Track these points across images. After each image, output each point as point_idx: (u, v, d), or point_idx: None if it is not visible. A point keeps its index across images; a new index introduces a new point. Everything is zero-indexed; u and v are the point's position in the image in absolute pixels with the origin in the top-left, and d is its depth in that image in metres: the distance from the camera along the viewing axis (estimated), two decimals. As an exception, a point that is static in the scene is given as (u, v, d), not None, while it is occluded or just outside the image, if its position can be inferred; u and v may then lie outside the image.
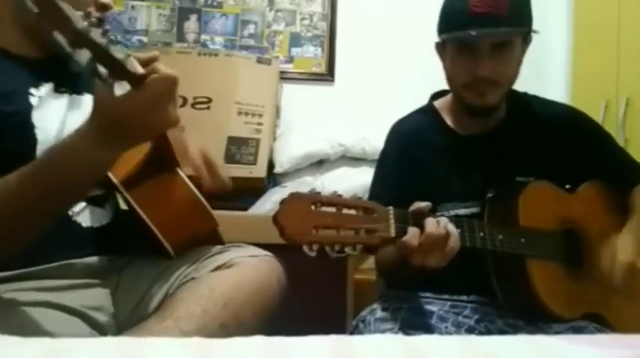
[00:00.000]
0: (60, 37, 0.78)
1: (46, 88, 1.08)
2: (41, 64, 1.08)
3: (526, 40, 1.32)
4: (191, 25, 3.09)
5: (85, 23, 0.79)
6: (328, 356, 0.55)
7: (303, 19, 3.16)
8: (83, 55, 0.79)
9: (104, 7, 1.10)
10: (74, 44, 0.79)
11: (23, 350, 0.52)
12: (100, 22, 1.01)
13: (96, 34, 0.79)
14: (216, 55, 2.65)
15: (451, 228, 1.07)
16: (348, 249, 0.96)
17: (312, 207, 0.95)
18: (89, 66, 0.80)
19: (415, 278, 1.25)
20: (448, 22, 1.29)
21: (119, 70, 0.82)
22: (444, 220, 1.07)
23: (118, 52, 0.81)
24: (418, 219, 1.06)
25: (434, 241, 1.04)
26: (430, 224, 1.05)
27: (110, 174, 1.08)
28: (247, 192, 2.32)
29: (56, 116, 1.06)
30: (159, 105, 0.85)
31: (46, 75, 1.09)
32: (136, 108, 0.85)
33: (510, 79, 1.31)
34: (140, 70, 0.84)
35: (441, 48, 1.35)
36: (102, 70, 0.82)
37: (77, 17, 0.79)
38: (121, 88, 0.84)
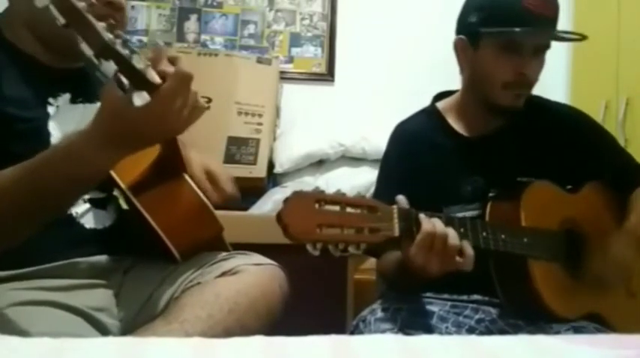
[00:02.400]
0: (86, 49, 0.80)
1: (63, 99, 1.11)
2: (61, 74, 1.12)
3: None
4: (191, 25, 3.09)
5: (111, 35, 0.81)
6: (328, 356, 0.55)
7: (303, 19, 3.16)
8: (109, 66, 0.81)
9: (109, 4, 1.10)
10: (100, 55, 0.81)
11: (24, 349, 0.52)
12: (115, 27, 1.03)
13: (119, 46, 0.81)
14: (216, 55, 2.65)
15: (449, 229, 1.07)
16: (351, 248, 0.95)
17: (316, 206, 0.94)
18: (114, 77, 0.82)
19: (417, 286, 1.26)
20: (494, 16, 1.23)
21: (140, 81, 0.84)
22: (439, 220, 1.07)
23: (138, 63, 0.83)
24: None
25: (433, 240, 1.04)
26: (426, 221, 1.05)
27: (117, 179, 1.08)
28: (247, 192, 2.31)
29: (71, 126, 1.09)
30: (172, 110, 0.87)
31: (64, 85, 1.12)
32: (150, 114, 0.86)
33: (536, 83, 1.30)
34: (157, 79, 0.86)
35: (469, 43, 1.29)
36: (124, 80, 0.84)
37: (102, 29, 0.81)
38: (139, 97, 0.85)
